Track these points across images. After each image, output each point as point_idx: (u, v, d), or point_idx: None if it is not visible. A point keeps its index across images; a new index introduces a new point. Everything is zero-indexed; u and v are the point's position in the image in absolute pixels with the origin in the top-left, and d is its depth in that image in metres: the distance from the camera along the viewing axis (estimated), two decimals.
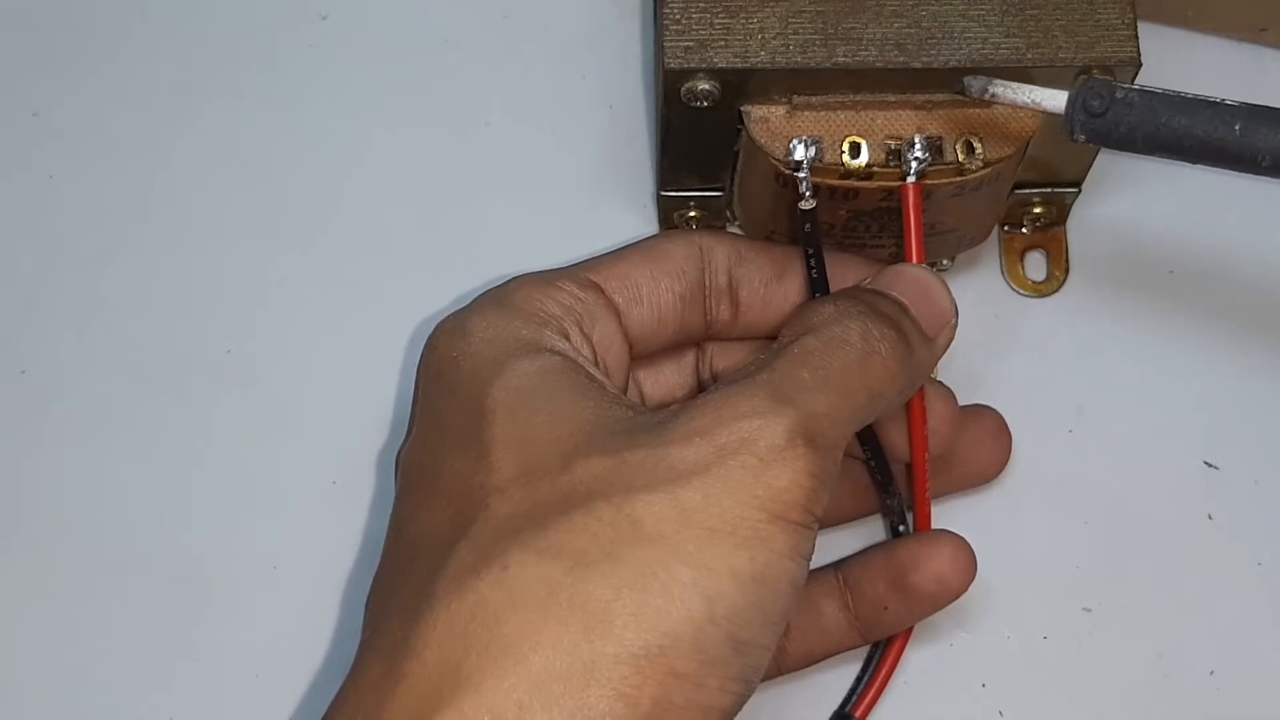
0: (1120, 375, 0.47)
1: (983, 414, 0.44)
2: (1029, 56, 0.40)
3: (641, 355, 0.40)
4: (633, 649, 0.32)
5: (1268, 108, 0.34)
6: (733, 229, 0.47)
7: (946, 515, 0.44)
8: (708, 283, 0.40)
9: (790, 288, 0.41)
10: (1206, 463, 0.46)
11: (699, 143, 0.43)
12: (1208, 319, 0.47)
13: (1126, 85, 0.35)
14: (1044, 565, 0.45)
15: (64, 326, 0.47)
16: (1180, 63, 0.48)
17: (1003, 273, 0.48)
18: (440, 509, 0.35)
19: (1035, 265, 0.48)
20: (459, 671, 0.32)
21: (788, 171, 0.40)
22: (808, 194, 0.40)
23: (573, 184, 0.48)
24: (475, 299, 0.39)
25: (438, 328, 0.38)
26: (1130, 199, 0.48)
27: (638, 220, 0.48)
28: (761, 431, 0.34)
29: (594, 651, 0.32)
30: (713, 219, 0.47)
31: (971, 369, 0.46)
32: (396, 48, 0.50)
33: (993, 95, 0.38)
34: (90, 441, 0.46)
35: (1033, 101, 0.37)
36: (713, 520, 0.33)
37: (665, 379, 0.42)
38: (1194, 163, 0.36)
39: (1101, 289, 0.47)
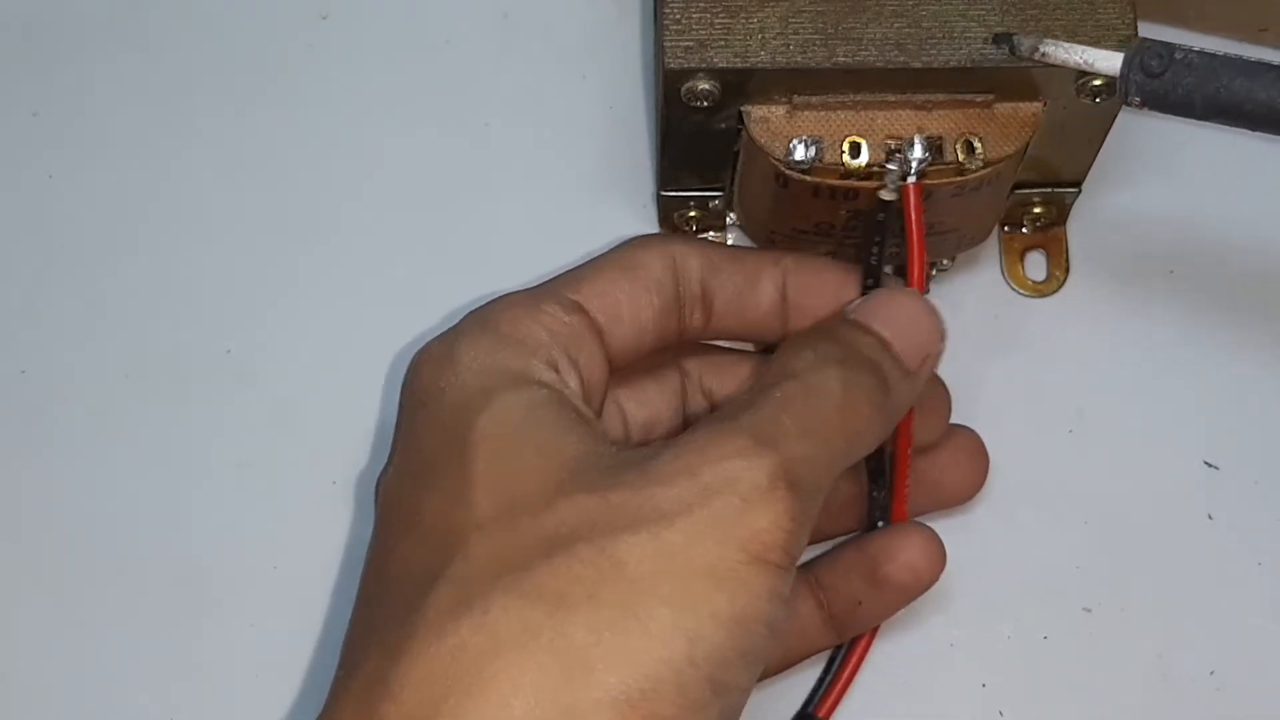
0: (1120, 375, 0.47)
1: (961, 434, 0.44)
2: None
3: (618, 369, 0.40)
4: (614, 693, 0.32)
5: None
6: (733, 229, 0.47)
7: (946, 516, 0.45)
8: (681, 292, 0.40)
9: (763, 295, 0.40)
10: (1206, 463, 0.46)
11: (699, 143, 0.43)
12: (1208, 319, 0.47)
13: (1186, 46, 0.33)
14: (1044, 565, 0.45)
15: (64, 326, 0.47)
16: None
17: (1003, 273, 0.48)
18: (419, 545, 0.35)
19: (1035, 265, 0.48)
20: (437, 715, 0.32)
21: (788, 172, 0.40)
22: (891, 185, 0.40)
23: (573, 184, 0.48)
24: (461, 322, 0.38)
25: (424, 354, 0.38)
26: (1130, 199, 0.48)
27: (638, 220, 0.48)
28: (745, 472, 0.34)
29: (575, 696, 0.32)
30: (713, 219, 0.47)
31: (971, 369, 0.46)
32: (396, 48, 0.50)
33: (1043, 55, 0.37)
34: (90, 441, 0.46)
35: (1085, 62, 0.35)
36: (694, 561, 0.33)
37: (649, 399, 0.42)
38: (1254, 129, 0.34)
39: (1101, 289, 0.47)
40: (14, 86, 0.49)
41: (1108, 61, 0.35)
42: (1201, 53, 0.33)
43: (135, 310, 0.47)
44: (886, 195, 0.40)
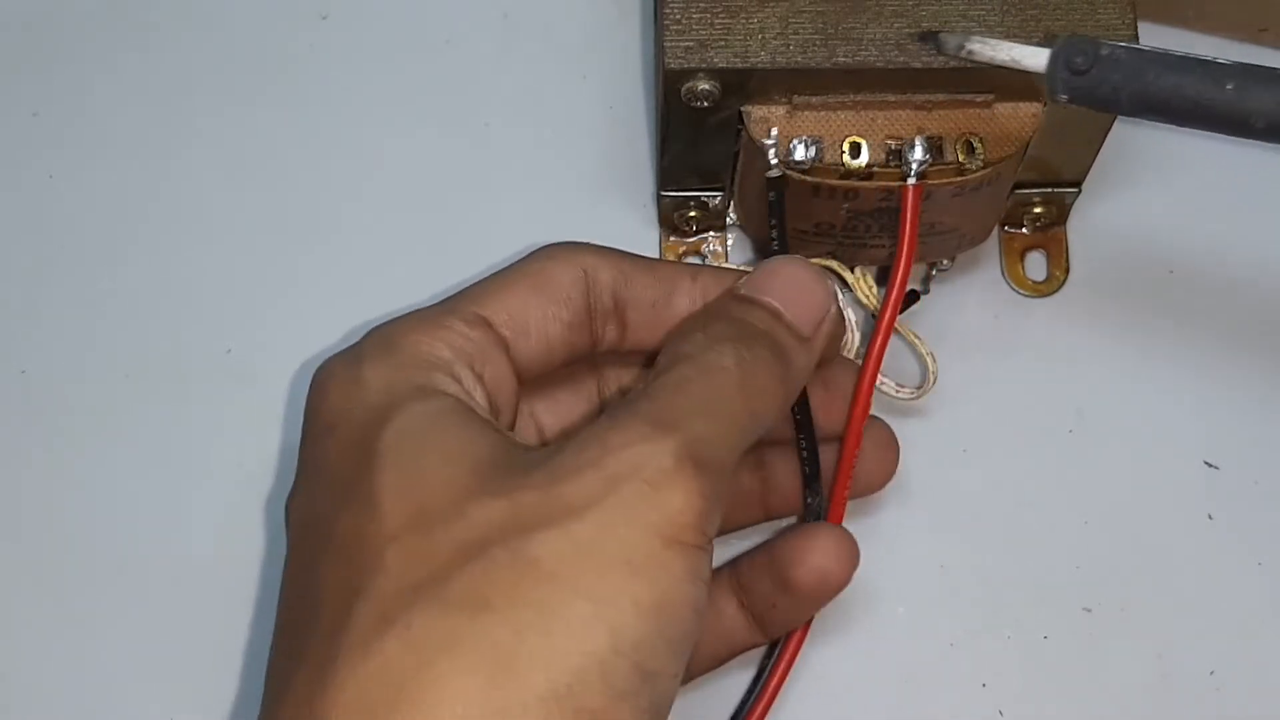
0: (1120, 375, 0.47)
1: (872, 424, 0.43)
2: None
3: (529, 382, 0.39)
4: (540, 691, 0.32)
5: (1263, 67, 0.32)
6: (733, 229, 0.47)
7: (946, 516, 0.45)
8: (592, 304, 0.39)
9: (679, 307, 0.39)
10: (1206, 463, 0.46)
11: (699, 143, 0.43)
12: (1208, 319, 0.47)
13: (1112, 42, 0.34)
14: (1044, 565, 0.45)
15: (64, 326, 0.47)
16: None
17: (1003, 273, 0.48)
18: (335, 564, 0.35)
19: (1035, 265, 0.48)
20: None
21: (788, 172, 0.40)
22: (775, 161, 0.40)
23: (573, 184, 0.48)
24: (363, 342, 0.37)
25: (327, 375, 0.37)
26: (1130, 199, 0.48)
27: (638, 220, 0.48)
28: (649, 457, 0.33)
29: (503, 698, 0.31)
30: (713, 219, 0.47)
31: (972, 369, 0.46)
32: (396, 48, 0.50)
33: (969, 53, 0.36)
34: (90, 441, 0.46)
35: (1012, 59, 0.35)
36: (609, 551, 0.33)
37: (564, 408, 0.42)
38: (1183, 125, 0.34)
39: (1101, 289, 0.47)
40: (14, 86, 0.49)
41: (1034, 59, 0.35)
42: (1129, 48, 0.33)
43: (135, 310, 0.47)
44: (773, 173, 0.40)
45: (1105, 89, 0.34)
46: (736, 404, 0.36)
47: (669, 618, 0.33)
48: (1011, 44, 0.35)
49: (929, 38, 0.38)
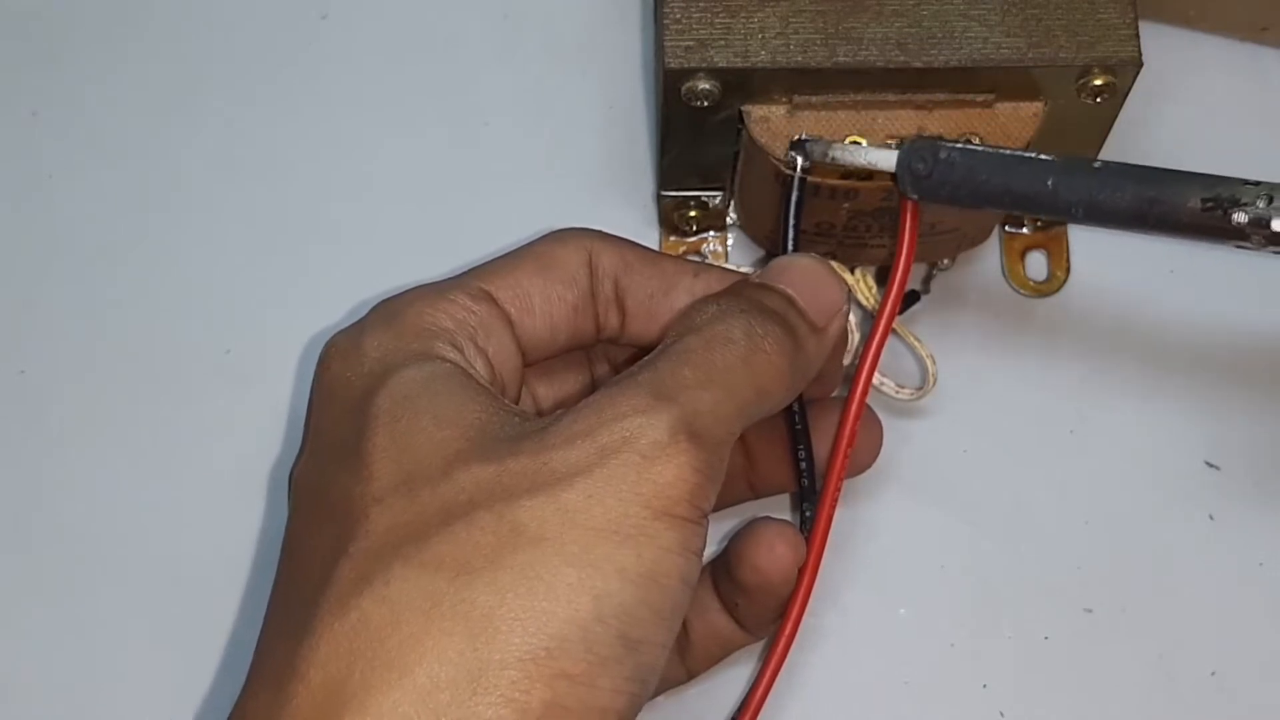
0: (1121, 375, 0.47)
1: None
2: (1030, 56, 0.40)
3: (534, 363, 0.40)
4: (519, 653, 0.32)
5: (1079, 161, 0.35)
6: (733, 229, 0.47)
7: (948, 516, 0.44)
8: (596, 289, 0.39)
9: (678, 303, 0.39)
10: (1207, 463, 0.46)
11: (699, 143, 0.43)
12: (1208, 318, 0.47)
13: (950, 144, 0.36)
14: (1045, 565, 0.45)
15: (64, 326, 0.47)
16: (1181, 62, 0.48)
17: (1003, 273, 0.48)
18: (325, 526, 0.35)
19: (1036, 265, 0.48)
20: (344, 690, 0.32)
21: (788, 171, 0.40)
22: (801, 159, 0.40)
23: (573, 184, 0.48)
24: (367, 315, 0.38)
25: (331, 347, 0.38)
26: None
27: (638, 220, 0.48)
28: (644, 429, 0.33)
29: (480, 659, 0.31)
30: (713, 219, 0.47)
31: (972, 369, 0.46)
32: (396, 48, 0.50)
33: (833, 159, 0.39)
34: (90, 441, 0.46)
35: (869, 162, 0.38)
36: (596, 520, 0.33)
37: (567, 389, 0.42)
38: (1021, 213, 0.39)
39: (1102, 289, 0.47)
40: (14, 86, 0.49)
41: (887, 161, 0.38)
42: (963, 150, 0.36)
43: (135, 310, 0.47)
44: (799, 172, 0.40)
45: (947, 188, 0.36)
46: (740, 378, 0.35)
47: (656, 587, 0.33)
48: (869, 149, 0.38)
49: (797, 146, 0.40)
